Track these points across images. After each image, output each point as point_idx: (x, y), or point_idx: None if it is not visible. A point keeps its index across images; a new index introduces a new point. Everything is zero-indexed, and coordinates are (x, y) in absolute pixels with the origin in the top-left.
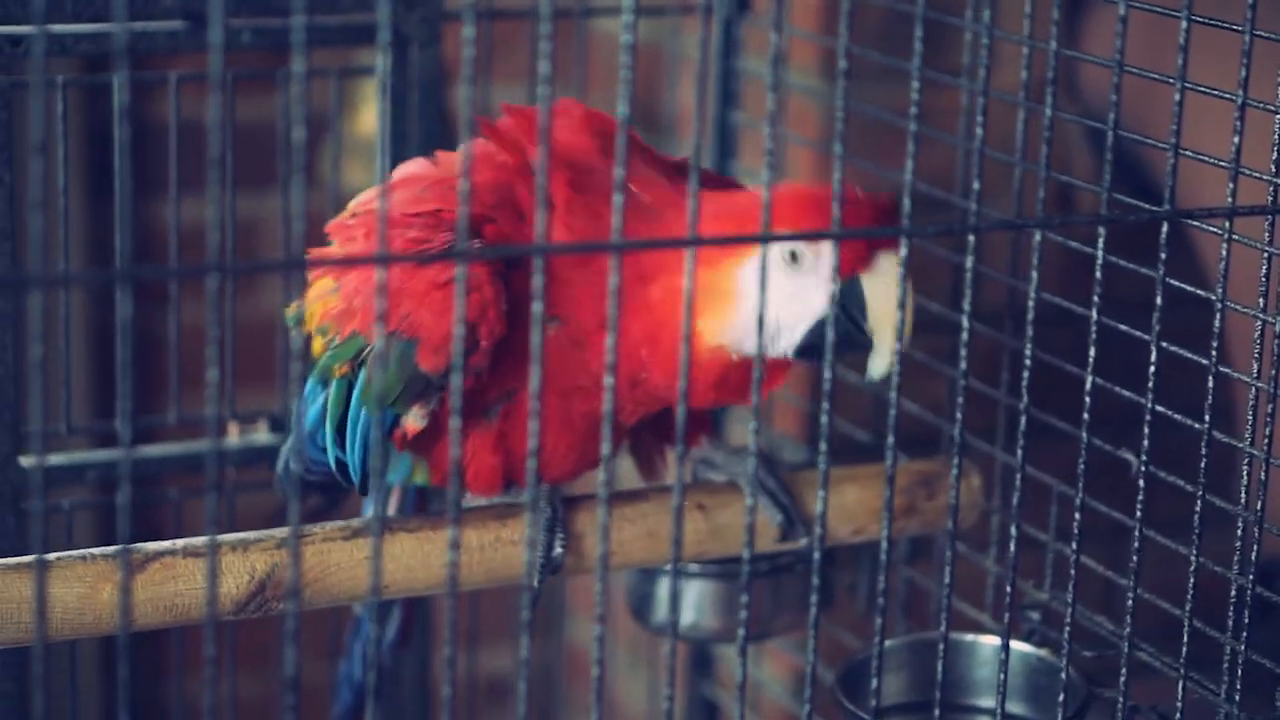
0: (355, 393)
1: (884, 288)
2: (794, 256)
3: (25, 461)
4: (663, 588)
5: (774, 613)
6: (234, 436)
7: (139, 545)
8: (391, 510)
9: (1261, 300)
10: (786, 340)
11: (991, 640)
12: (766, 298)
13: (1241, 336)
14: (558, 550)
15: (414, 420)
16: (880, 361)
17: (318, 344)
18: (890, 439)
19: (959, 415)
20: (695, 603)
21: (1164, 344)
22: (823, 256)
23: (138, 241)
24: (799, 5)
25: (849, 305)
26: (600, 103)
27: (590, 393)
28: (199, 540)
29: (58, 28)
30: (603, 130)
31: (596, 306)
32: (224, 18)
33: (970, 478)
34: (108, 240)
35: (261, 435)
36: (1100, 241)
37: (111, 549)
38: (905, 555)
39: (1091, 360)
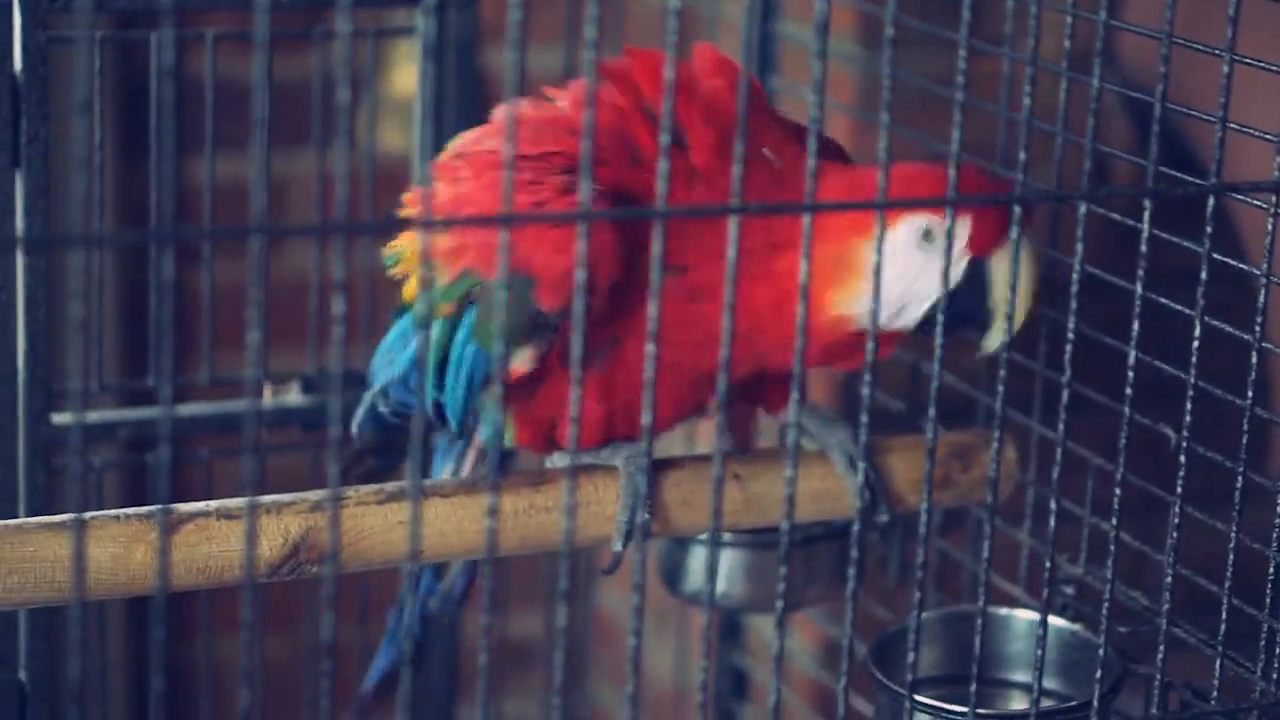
0: (460, 333)
1: (1008, 267)
2: (928, 234)
3: (58, 419)
4: (694, 556)
5: (805, 584)
6: (267, 397)
7: (173, 506)
8: (471, 457)
9: None
10: (911, 315)
11: (1025, 614)
12: (892, 271)
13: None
14: (644, 516)
15: (521, 362)
16: (996, 337)
17: (411, 267)
18: (931, 411)
19: (1000, 388)
20: (726, 572)
21: (1207, 319)
22: (956, 234)
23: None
24: None
25: (975, 284)
26: None
27: (701, 347)
28: (234, 502)
29: None
30: (734, 81)
31: (722, 262)
32: None
33: (1005, 450)
34: (140, 198)
35: (294, 396)
36: (1146, 215)
37: (146, 509)
38: (938, 527)
39: (1135, 334)
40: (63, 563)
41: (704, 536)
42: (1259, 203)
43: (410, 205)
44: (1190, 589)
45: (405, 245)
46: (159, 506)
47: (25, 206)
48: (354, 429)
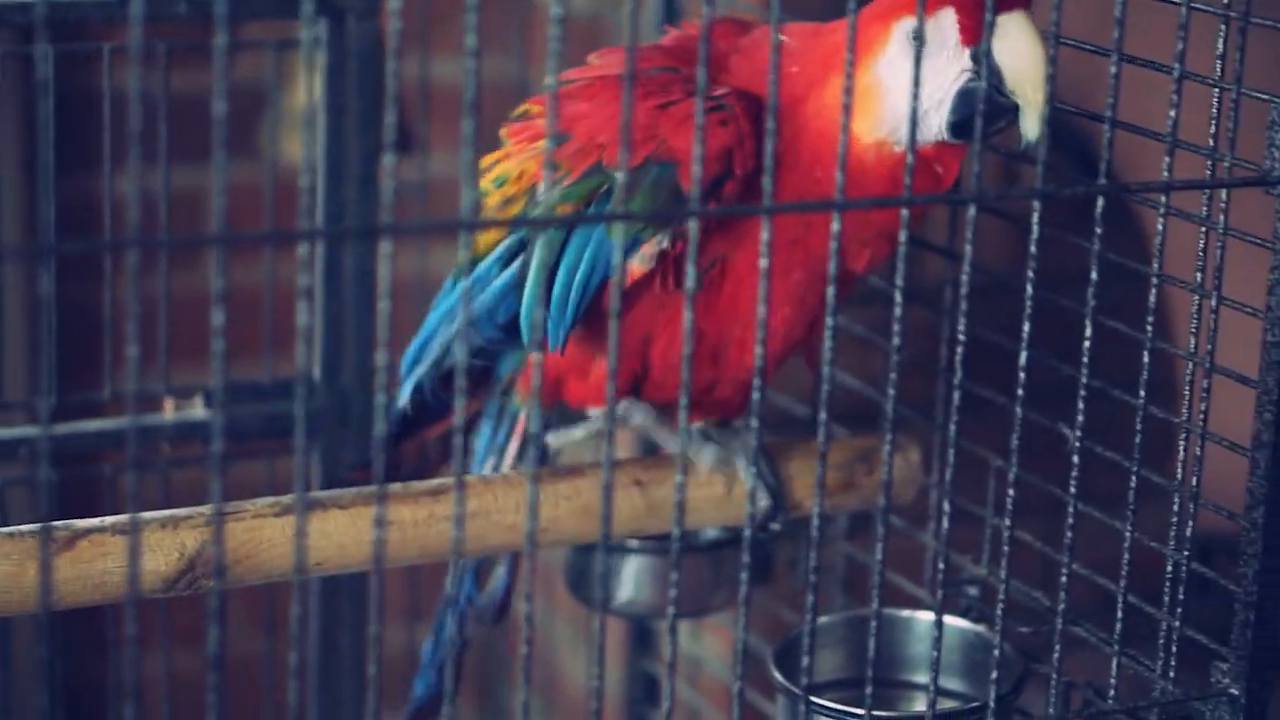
0: (577, 237)
1: (1013, 48)
2: (915, 35)
3: None
4: (599, 563)
5: (713, 588)
6: (169, 412)
7: (68, 522)
8: (513, 449)
9: (1199, 275)
10: (936, 118)
11: (927, 616)
12: (898, 83)
13: (1185, 311)
14: (764, 503)
15: (641, 261)
16: (1030, 122)
17: (518, 188)
18: (822, 414)
19: (891, 391)
20: (633, 578)
21: (1101, 319)
22: (945, 29)
23: (78, 215)
24: None
25: (988, 74)
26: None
27: (807, 240)
28: (123, 518)
29: None
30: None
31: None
32: None
33: (908, 453)
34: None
35: (197, 410)
36: (1035, 216)
37: (39, 526)
38: (844, 530)
39: (1025, 335)
40: None
41: (613, 544)
42: (1152, 204)
43: (512, 136)
44: (1095, 589)
45: (510, 166)
46: (41, 524)
47: None
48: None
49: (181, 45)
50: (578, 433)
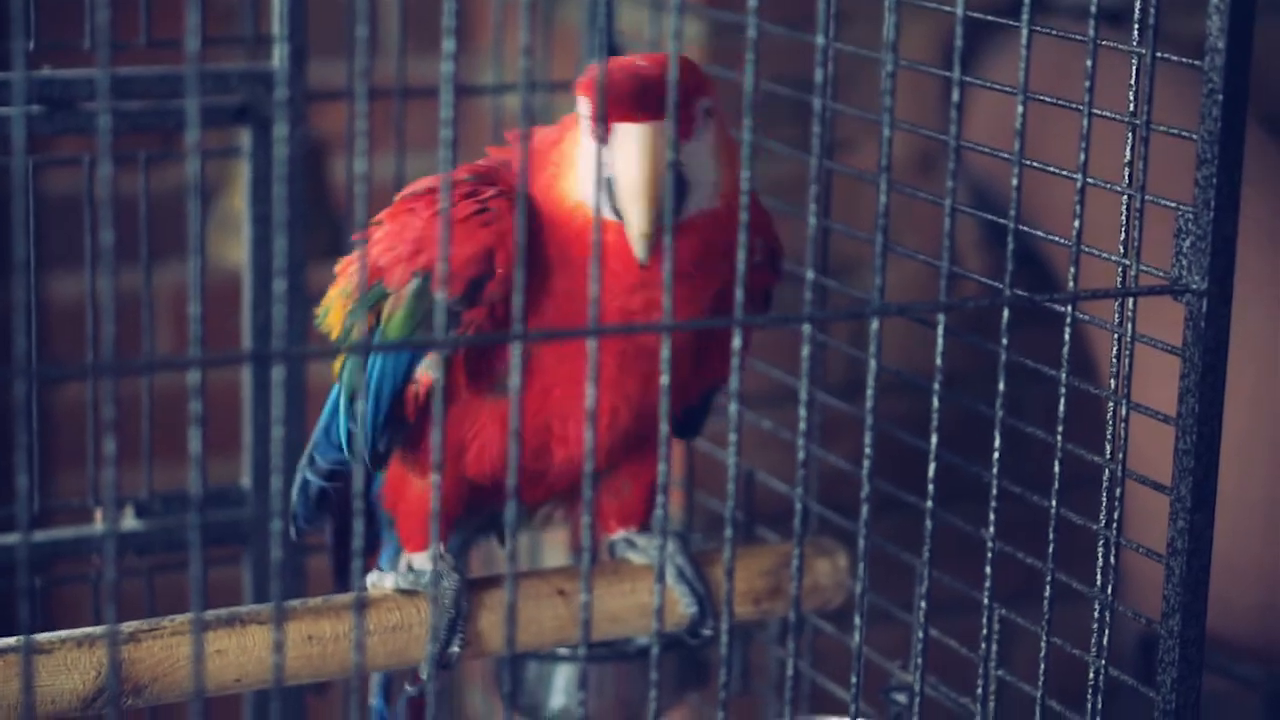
0: (371, 353)
1: (622, 161)
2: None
3: None
4: (530, 672)
5: (645, 696)
6: (99, 522)
7: None
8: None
9: (1112, 382)
10: (605, 202)
11: None
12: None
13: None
14: (454, 649)
15: (428, 369)
16: (635, 243)
17: (336, 317)
18: (728, 531)
19: (799, 505)
20: (565, 686)
21: (1013, 422)
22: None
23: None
24: None
25: (609, 180)
26: None
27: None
28: (41, 637)
29: None
30: None
31: None
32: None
33: (836, 557)
34: None
35: (128, 520)
36: (940, 329)
37: None
38: (775, 635)
39: (934, 441)
40: None
41: (542, 653)
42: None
43: (340, 272)
44: (1024, 693)
45: (331, 298)
46: None
47: None
48: (292, 523)
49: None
50: (387, 582)
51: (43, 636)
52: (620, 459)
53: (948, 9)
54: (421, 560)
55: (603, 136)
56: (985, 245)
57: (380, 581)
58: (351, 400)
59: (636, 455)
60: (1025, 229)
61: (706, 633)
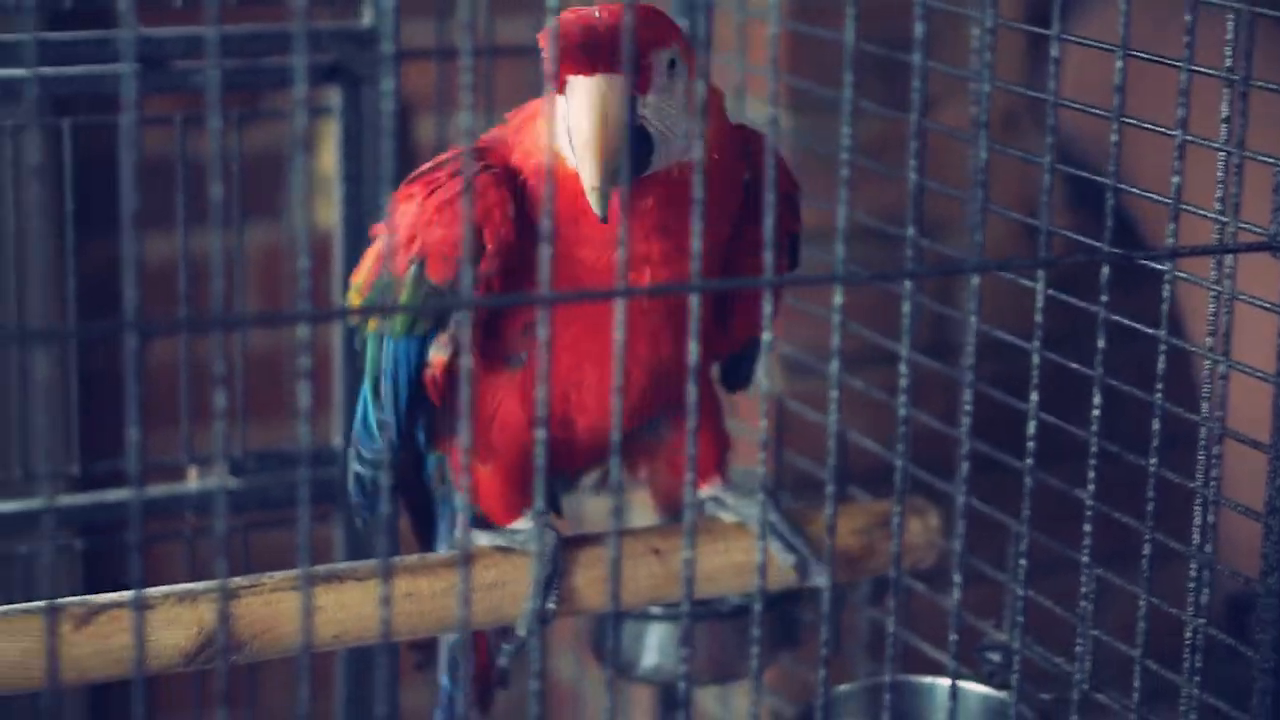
0: (385, 339)
1: (574, 113)
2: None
3: None
4: (625, 632)
5: (740, 654)
6: (193, 480)
7: (85, 598)
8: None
9: (1210, 339)
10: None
11: (949, 683)
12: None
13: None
14: (551, 605)
15: (438, 350)
16: (589, 195)
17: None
18: (830, 488)
19: (899, 463)
20: (658, 645)
21: (1113, 382)
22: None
23: (107, 281)
24: (757, 41)
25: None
26: None
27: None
28: (150, 592)
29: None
30: None
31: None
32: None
33: (928, 517)
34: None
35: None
36: (1040, 285)
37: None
38: (868, 596)
39: (1034, 402)
40: None
41: (636, 611)
42: (1162, 267)
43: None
44: (1121, 653)
45: (352, 287)
46: (48, 603)
47: None
48: (356, 513)
49: (199, 116)
50: (483, 540)
51: (148, 592)
52: (661, 416)
53: None
54: (516, 524)
55: (559, 90)
56: (1068, 205)
57: (476, 540)
58: (375, 388)
59: (683, 414)
60: (1122, 187)
61: (819, 580)
